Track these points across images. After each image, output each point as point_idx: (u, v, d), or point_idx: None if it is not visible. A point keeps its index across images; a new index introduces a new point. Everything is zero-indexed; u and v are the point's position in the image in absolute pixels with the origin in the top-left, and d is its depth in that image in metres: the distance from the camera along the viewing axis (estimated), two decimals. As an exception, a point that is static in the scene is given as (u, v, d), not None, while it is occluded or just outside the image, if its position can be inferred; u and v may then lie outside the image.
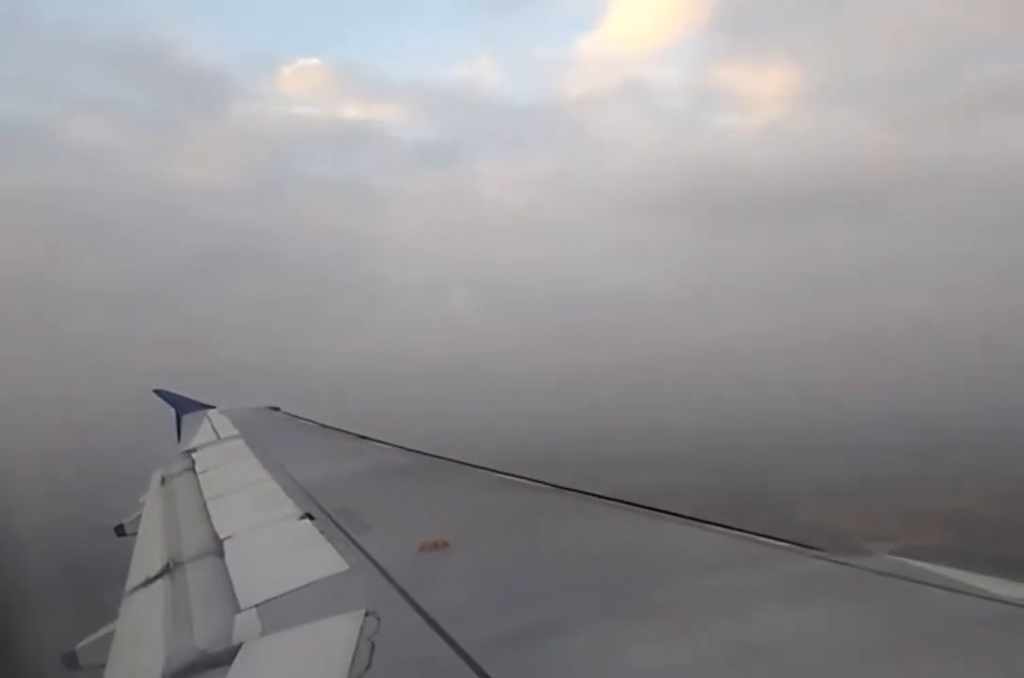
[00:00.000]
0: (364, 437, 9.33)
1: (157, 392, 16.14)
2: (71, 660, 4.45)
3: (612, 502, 4.53)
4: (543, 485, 5.28)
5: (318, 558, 4.02)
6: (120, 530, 7.86)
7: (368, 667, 2.44)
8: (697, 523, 3.81)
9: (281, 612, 3.32)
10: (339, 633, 2.78)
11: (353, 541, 4.20)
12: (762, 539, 3.39)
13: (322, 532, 4.54)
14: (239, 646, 2.97)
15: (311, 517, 4.95)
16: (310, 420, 12.17)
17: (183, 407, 15.24)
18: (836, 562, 2.87)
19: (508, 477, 5.74)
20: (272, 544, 4.81)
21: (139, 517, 7.35)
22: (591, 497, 4.74)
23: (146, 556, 5.42)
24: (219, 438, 11.10)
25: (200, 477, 7.99)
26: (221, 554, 4.63)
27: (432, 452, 7.34)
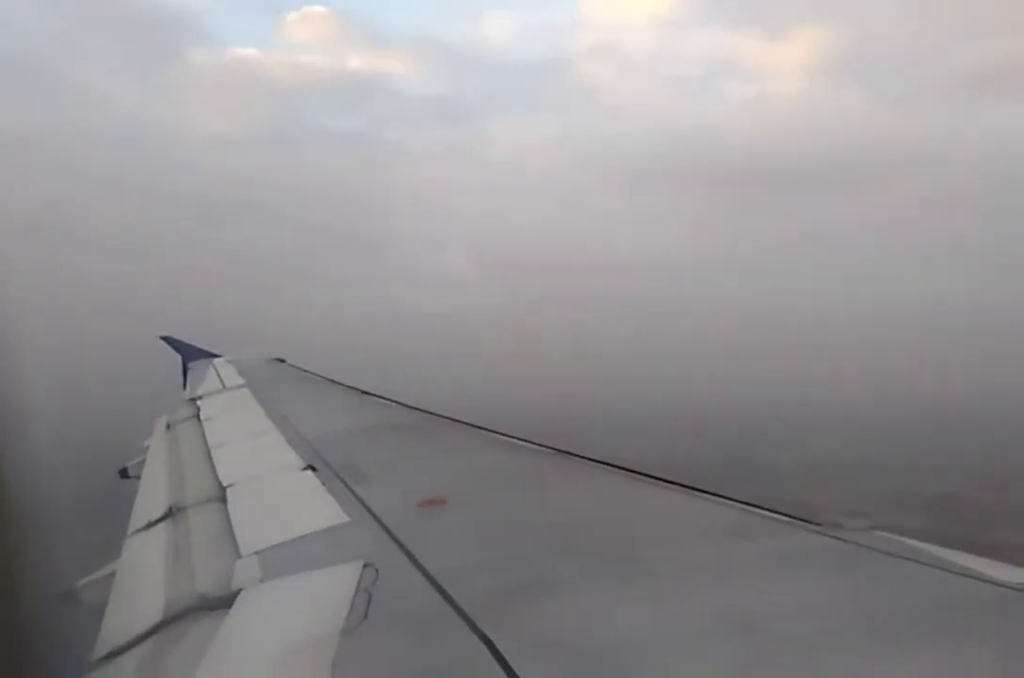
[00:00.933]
0: (368, 393, 9.39)
1: (164, 339, 16.20)
2: (71, 596, 4.55)
3: (612, 468, 4.56)
4: (544, 448, 5.32)
5: (319, 509, 4.08)
6: (124, 473, 7.96)
7: (364, 617, 2.50)
8: (695, 492, 3.85)
9: (281, 560, 3.38)
10: (337, 583, 2.84)
11: (354, 494, 4.25)
12: (759, 511, 3.42)
13: (324, 484, 4.60)
14: (238, 591, 3.04)
15: (313, 469, 5.01)
16: (315, 373, 12.23)
17: (189, 354, 15.32)
18: (829, 536, 2.91)
19: (510, 439, 5.79)
20: (274, 493, 4.88)
21: (143, 461, 7.44)
22: (591, 462, 4.78)
23: (149, 500, 5.50)
24: (224, 387, 11.18)
25: (205, 424, 8.07)
26: (224, 501, 4.70)
27: (435, 411, 7.39)
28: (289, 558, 3.41)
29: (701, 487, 3.90)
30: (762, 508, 3.45)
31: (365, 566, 2.95)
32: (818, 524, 3.11)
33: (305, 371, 12.80)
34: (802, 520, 3.21)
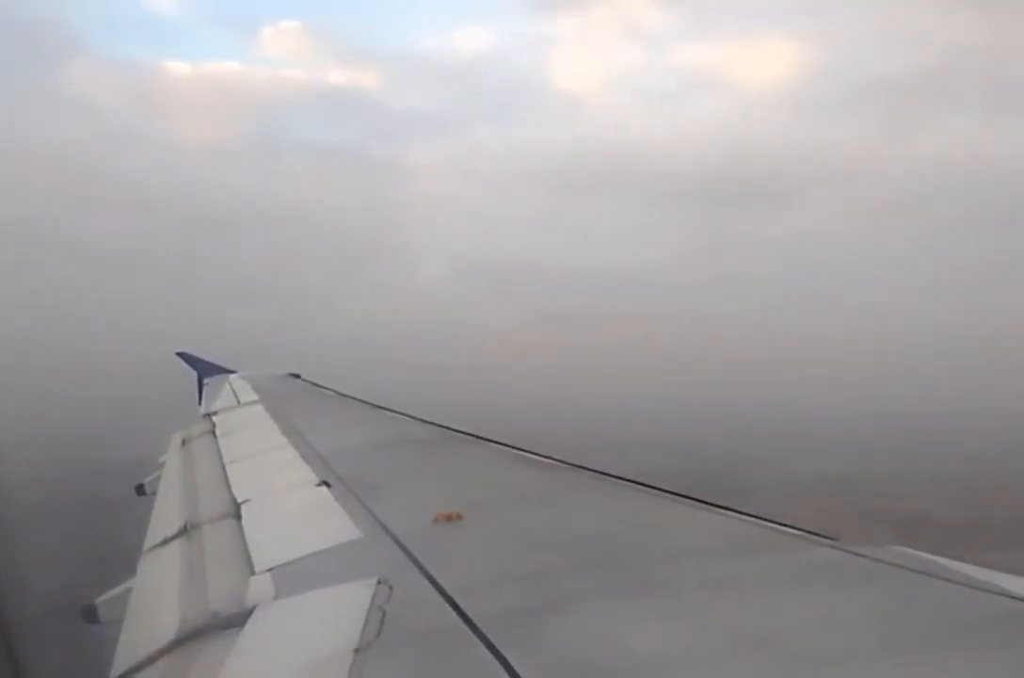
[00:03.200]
0: (382, 407, 9.40)
1: (180, 355, 16.28)
2: (91, 613, 4.56)
3: (628, 483, 4.54)
4: (559, 463, 5.30)
5: (333, 525, 4.07)
6: (140, 489, 8.00)
7: (378, 635, 2.49)
8: (710, 507, 3.82)
9: (295, 576, 3.38)
10: (351, 600, 2.83)
11: (368, 510, 4.25)
12: (774, 526, 3.40)
13: (338, 499, 4.60)
14: (253, 608, 3.03)
15: (328, 484, 5.01)
16: (329, 388, 12.26)
17: (205, 370, 15.39)
18: (846, 551, 2.88)
19: (524, 453, 5.77)
20: (289, 509, 4.88)
21: (159, 477, 7.47)
22: (606, 477, 4.77)
23: (164, 516, 5.52)
24: (239, 403, 11.22)
25: (220, 441, 8.10)
26: (238, 517, 4.71)
27: (449, 425, 7.39)
28: (303, 575, 3.40)
29: (716, 502, 3.88)
30: (779, 523, 3.43)
31: (379, 583, 2.94)
32: (836, 539, 3.08)
33: (319, 386, 12.84)
34: (820, 535, 3.18)
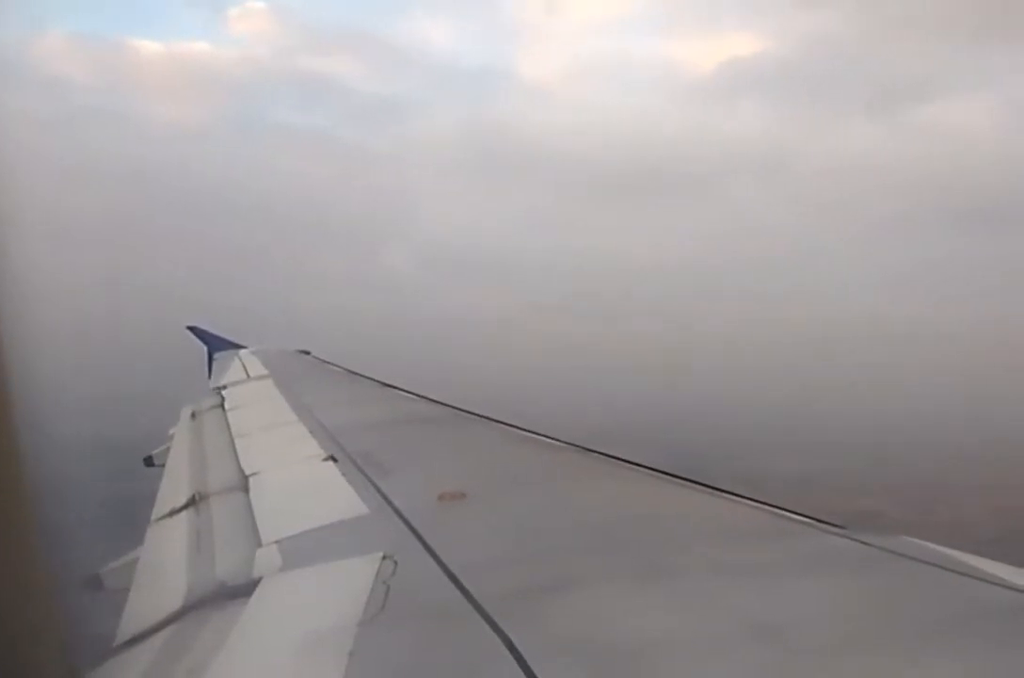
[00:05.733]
0: (391, 386, 9.42)
1: (190, 328, 16.33)
2: (95, 582, 4.60)
3: (633, 466, 4.54)
4: (565, 444, 5.31)
5: (339, 500, 4.09)
6: (149, 461, 8.04)
7: (382, 609, 2.50)
8: (717, 492, 3.82)
9: (301, 549, 3.40)
10: (356, 574, 2.85)
11: (374, 486, 4.26)
12: (782, 512, 3.39)
13: (344, 475, 4.62)
14: (259, 580, 3.06)
15: (335, 459, 5.03)
16: (339, 365, 12.29)
17: (215, 345, 15.44)
18: (855, 540, 2.87)
19: (531, 434, 5.78)
20: (296, 483, 4.91)
21: (168, 449, 7.51)
22: (611, 459, 4.77)
23: (173, 488, 5.56)
24: (249, 377, 11.27)
25: (229, 414, 8.14)
26: (246, 490, 4.74)
27: (457, 405, 7.40)
28: (309, 548, 3.42)
29: (723, 487, 3.87)
30: (786, 510, 3.42)
31: (384, 558, 2.96)
32: (844, 527, 3.07)
33: (329, 363, 12.87)
34: (827, 523, 3.17)
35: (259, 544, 3.59)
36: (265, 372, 11.44)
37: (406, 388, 9.02)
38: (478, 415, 6.81)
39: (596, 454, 4.93)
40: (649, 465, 4.49)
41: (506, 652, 2.07)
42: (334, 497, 4.21)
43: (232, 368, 12.52)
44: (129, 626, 3.16)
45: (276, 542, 3.55)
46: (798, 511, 3.37)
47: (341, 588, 2.81)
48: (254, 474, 5.08)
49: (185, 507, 4.78)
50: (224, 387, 10.43)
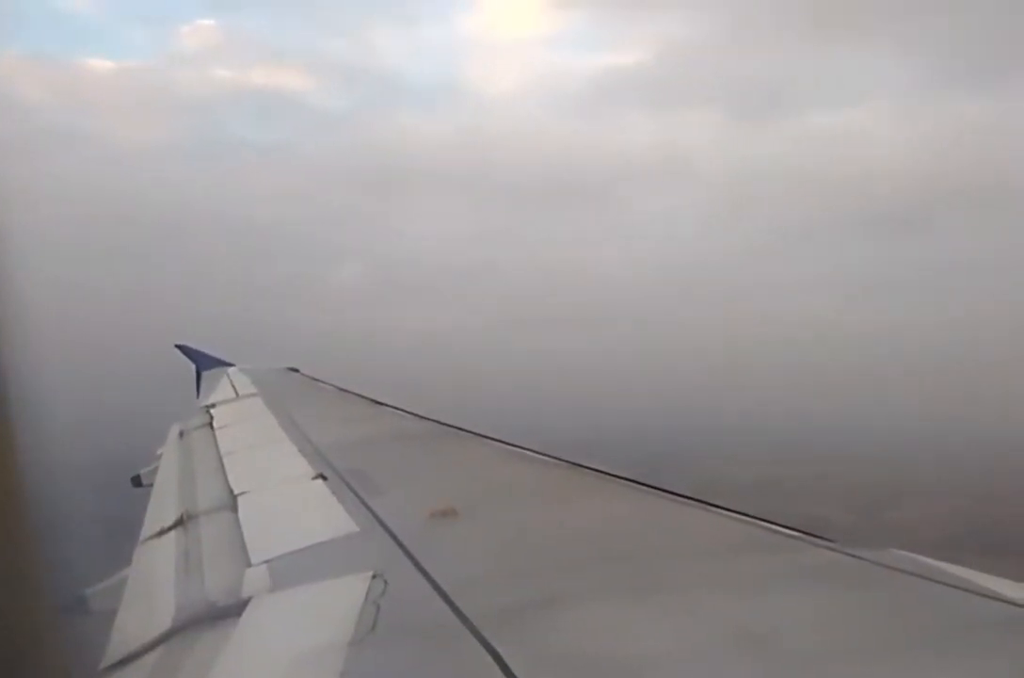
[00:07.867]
0: (380, 403, 9.40)
1: (179, 347, 16.24)
2: (80, 604, 4.55)
3: (624, 481, 4.54)
4: (556, 460, 5.30)
5: (329, 518, 4.07)
6: (137, 480, 7.97)
7: (372, 629, 2.48)
8: (708, 507, 3.82)
9: (290, 569, 3.38)
10: (346, 594, 2.83)
11: (364, 504, 4.25)
12: (774, 526, 3.39)
13: (334, 493, 4.60)
14: (248, 600, 3.03)
15: (324, 478, 5.01)
16: (328, 383, 12.24)
17: (203, 363, 15.36)
18: (846, 554, 2.88)
19: (521, 450, 5.77)
20: (285, 502, 4.88)
21: (156, 469, 7.46)
22: (601, 474, 4.76)
23: (161, 507, 5.51)
24: (238, 395, 11.21)
25: (217, 433, 8.09)
26: (235, 509, 4.71)
27: (446, 421, 7.38)
28: (299, 567, 3.40)
29: (713, 502, 3.87)
30: (777, 524, 3.42)
31: (374, 577, 2.94)
32: (834, 541, 3.08)
33: (318, 381, 12.82)
34: (818, 537, 3.18)
35: (248, 564, 3.57)
36: (254, 390, 11.38)
37: (395, 405, 9.00)
38: (468, 431, 6.79)
39: (585, 469, 4.92)
40: (639, 479, 4.49)
41: (497, 670, 2.06)
42: (323, 516, 4.19)
43: (220, 386, 12.45)
44: (118, 647, 3.13)
45: (265, 562, 3.53)
46: (788, 525, 3.38)
47: (331, 608, 2.79)
48: (243, 493, 5.05)
49: (173, 527, 4.74)
50: (213, 405, 10.37)
